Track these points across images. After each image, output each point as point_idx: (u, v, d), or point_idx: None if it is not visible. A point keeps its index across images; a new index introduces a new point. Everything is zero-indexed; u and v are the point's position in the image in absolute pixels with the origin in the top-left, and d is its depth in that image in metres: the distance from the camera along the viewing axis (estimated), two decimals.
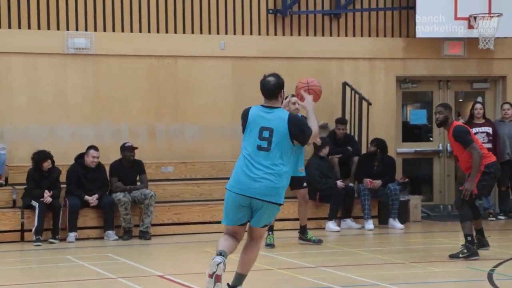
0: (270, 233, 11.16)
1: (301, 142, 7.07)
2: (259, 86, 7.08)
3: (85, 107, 13.70)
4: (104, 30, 13.78)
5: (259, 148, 6.88)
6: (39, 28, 13.50)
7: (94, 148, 12.45)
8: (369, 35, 14.98)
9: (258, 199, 6.83)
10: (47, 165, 12.14)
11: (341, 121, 13.99)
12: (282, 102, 7.12)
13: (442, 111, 10.04)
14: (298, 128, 6.95)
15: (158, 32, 14.01)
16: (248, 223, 7.00)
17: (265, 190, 6.83)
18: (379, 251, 10.88)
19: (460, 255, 9.75)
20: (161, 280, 8.74)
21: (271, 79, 7.07)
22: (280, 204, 6.94)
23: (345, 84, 14.40)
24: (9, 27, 13.40)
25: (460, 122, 11.68)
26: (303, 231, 11.50)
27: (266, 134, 6.90)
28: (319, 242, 11.40)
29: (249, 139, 6.95)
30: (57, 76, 13.60)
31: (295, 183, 10.71)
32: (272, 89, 7.04)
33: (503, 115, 14.22)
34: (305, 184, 11.34)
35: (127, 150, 12.60)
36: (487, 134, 13.99)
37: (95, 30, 13.72)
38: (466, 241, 9.81)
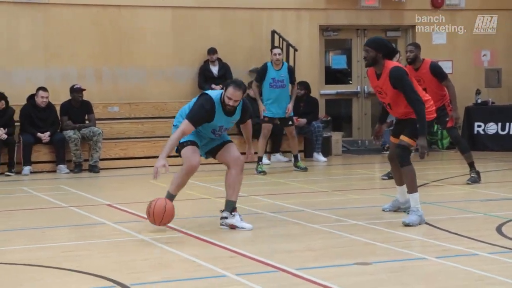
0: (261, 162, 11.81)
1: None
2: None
3: (36, 52, 13.40)
4: None
5: None
6: None
7: (43, 89, 12.23)
8: None
9: None
10: (0, 105, 11.87)
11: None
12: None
13: (413, 50, 10.12)
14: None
15: None
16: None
17: None
18: (305, 181, 11.00)
19: (470, 181, 10.15)
20: (109, 208, 8.70)
21: None
22: None
23: (273, 32, 14.33)
24: None
25: None
26: (295, 159, 12.00)
27: None
28: (305, 169, 11.87)
29: None
30: (9, 23, 13.23)
31: (283, 122, 11.86)
32: None
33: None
34: (290, 122, 11.95)
35: (75, 91, 12.42)
36: None
37: None
38: (474, 168, 10.23)
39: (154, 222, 6.98)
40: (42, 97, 12.15)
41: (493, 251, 6.25)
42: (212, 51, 14.01)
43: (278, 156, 13.30)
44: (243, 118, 7.37)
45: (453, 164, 12.95)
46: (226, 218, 7.33)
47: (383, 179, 10.78)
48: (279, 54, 11.82)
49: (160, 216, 6.91)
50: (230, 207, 7.31)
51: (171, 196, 7.20)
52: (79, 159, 12.12)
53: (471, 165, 10.27)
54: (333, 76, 15.83)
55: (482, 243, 6.53)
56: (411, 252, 6.27)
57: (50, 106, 12.31)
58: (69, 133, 12.10)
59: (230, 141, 7.41)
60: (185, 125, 6.97)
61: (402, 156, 7.41)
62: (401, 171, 7.52)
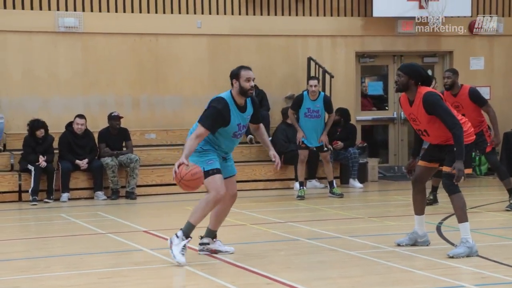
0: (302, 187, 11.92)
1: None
2: None
3: (75, 80, 13.61)
4: (91, 10, 13.64)
5: None
6: (32, 8, 13.35)
7: (79, 116, 12.41)
8: (331, 15, 14.97)
9: None
10: (40, 133, 12.07)
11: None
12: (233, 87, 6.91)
13: (450, 76, 10.03)
14: None
15: (140, 12, 13.91)
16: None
17: None
18: (341, 207, 10.96)
19: (509, 208, 10.01)
20: (146, 235, 8.76)
21: None
22: None
23: (309, 59, 14.39)
24: (5, 7, 13.23)
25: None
26: (330, 186, 12.04)
27: None
28: (341, 195, 11.86)
29: None
30: (49, 52, 13.49)
31: (319, 147, 11.88)
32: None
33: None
34: (325, 148, 11.97)
35: (113, 119, 12.57)
36: None
37: (83, 10, 13.59)
38: None
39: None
40: (78, 123, 12.32)
41: None
42: None
43: (314, 182, 13.29)
44: (255, 114, 7.09)
45: (492, 190, 12.81)
46: (207, 244, 7.29)
47: None
48: (315, 86, 11.76)
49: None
50: (212, 235, 7.30)
51: (192, 227, 6.89)
52: (116, 185, 12.24)
53: (510, 192, 10.15)
54: (369, 102, 15.81)
55: None
56: (449, 280, 6.20)
57: (88, 133, 12.47)
58: (107, 160, 12.24)
59: (234, 175, 7.20)
60: (199, 129, 6.65)
61: (450, 184, 7.03)
62: (450, 199, 7.15)
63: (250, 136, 13.72)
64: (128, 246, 8.02)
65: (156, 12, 13.97)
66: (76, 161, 12.19)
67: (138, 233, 8.92)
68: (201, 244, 7.33)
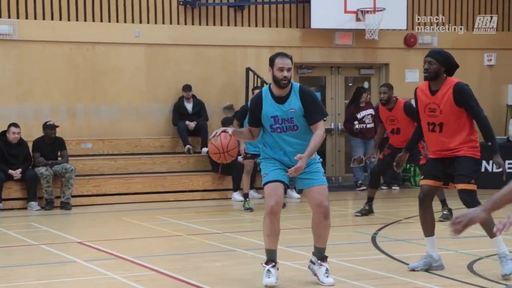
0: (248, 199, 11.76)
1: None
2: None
3: (9, 89, 13.36)
4: (27, 18, 13.42)
5: None
6: None
7: (14, 125, 12.20)
8: (270, 26, 15.05)
9: None
10: None
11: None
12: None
13: (386, 91, 10.14)
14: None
15: (77, 20, 13.73)
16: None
17: None
18: None
19: (442, 218, 10.05)
20: (80, 246, 8.64)
21: None
22: None
23: (248, 70, 14.44)
24: None
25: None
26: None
27: None
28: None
29: None
30: None
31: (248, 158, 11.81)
32: None
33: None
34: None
35: (48, 128, 12.39)
36: (372, 115, 14.36)
37: (18, 17, 13.35)
38: (446, 206, 10.25)
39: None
40: (14, 132, 12.11)
41: None
42: (187, 88, 14.08)
43: (252, 193, 13.29)
44: (310, 112, 6.31)
45: None
46: (313, 263, 6.67)
47: (356, 215, 10.83)
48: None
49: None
50: (318, 253, 6.66)
51: (267, 252, 6.60)
52: (51, 196, 12.05)
53: (443, 202, 10.35)
54: None
55: (453, 281, 6.57)
56: None
57: (22, 142, 12.26)
58: (41, 169, 12.05)
59: (316, 186, 6.71)
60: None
61: (470, 201, 6.58)
62: None
63: (188, 146, 13.67)
64: (62, 257, 7.89)
65: (93, 21, 13.83)
66: (9, 170, 11.97)
67: (72, 244, 8.79)
68: (310, 261, 6.75)
